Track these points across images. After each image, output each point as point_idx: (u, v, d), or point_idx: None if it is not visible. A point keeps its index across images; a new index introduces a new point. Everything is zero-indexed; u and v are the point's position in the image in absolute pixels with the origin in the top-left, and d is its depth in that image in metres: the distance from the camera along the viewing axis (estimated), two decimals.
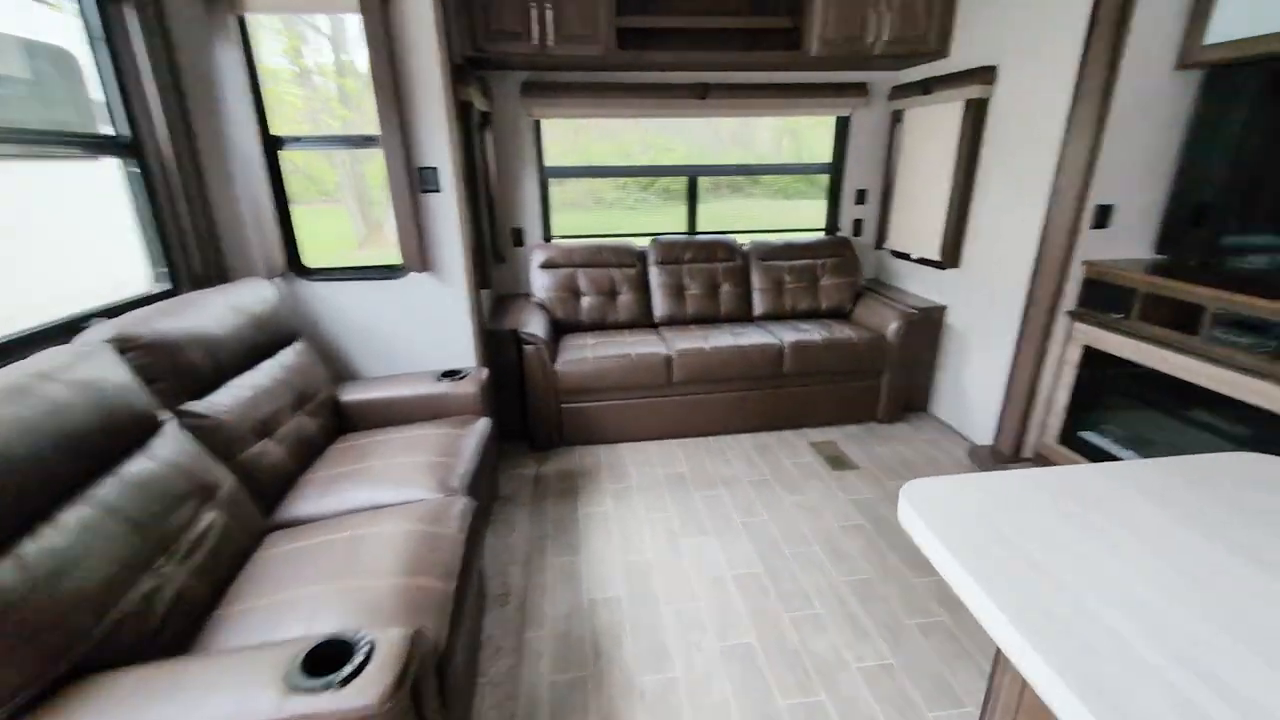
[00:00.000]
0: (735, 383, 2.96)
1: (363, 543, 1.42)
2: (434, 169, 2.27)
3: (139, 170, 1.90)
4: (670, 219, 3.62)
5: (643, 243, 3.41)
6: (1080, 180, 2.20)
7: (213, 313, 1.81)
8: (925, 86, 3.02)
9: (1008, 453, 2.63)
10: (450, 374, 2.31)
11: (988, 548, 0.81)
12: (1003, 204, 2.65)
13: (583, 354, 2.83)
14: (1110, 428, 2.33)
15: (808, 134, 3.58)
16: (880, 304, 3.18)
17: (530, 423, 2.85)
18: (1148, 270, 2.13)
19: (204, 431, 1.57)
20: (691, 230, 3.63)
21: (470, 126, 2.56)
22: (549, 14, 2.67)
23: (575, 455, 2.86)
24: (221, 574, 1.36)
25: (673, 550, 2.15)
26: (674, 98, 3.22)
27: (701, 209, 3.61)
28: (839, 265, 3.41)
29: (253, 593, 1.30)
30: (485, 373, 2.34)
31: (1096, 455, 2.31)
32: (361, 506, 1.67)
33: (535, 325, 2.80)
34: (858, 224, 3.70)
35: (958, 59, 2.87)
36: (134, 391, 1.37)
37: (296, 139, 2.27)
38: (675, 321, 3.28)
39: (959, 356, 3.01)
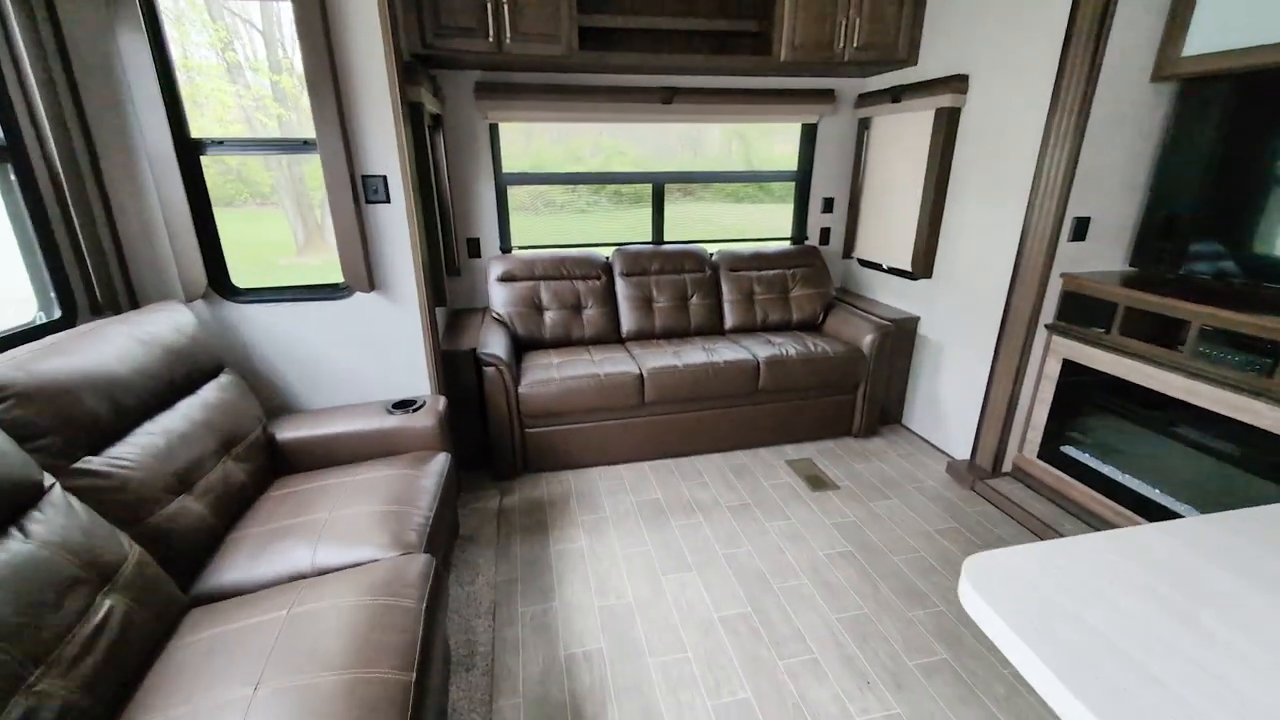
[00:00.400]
0: (709, 401, 2.83)
1: (302, 624, 1.20)
2: (381, 177, 2.04)
3: (16, 179, 1.60)
4: (623, 224, 3.47)
5: (605, 252, 3.24)
6: (1059, 192, 2.16)
7: (115, 347, 1.54)
8: (894, 94, 2.97)
9: (987, 468, 2.59)
10: (403, 404, 2.08)
11: (1062, 634, 0.70)
12: (977, 215, 2.62)
13: (548, 375, 2.64)
14: (1092, 443, 2.31)
15: (758, 140, 3.50)
16: (853, 315, 3.11)
17: (493, 450, 2.64)
18: (1123, 282, 2.11)
19: (103, 493, 1.31)
20: (658, 239, 3.49)
21: (422, 130, 2.33)
22: (506, 9, 2.47)
23: (542, 483, 2.67)
24: (125, 677, 1.11)
25: (654, 591, 2.00)
26: (638, 101, 3.07)
27: (666, 212, 3.47)
28: (809, 275, 3.33)
29: (163, 702, 1.06)
30: (443, 402, 2.13)
31: (1079, 471, 2.28)
32: (301, 571, 1.44)
33: (496, 344, 2.60)
34: (825, 232, 3.64)
35: (927, 67, 2.83)
36: (2, 455, 1.11)
37: (219, 142, 1.99)
38: (644, 336, 3.13)
39: (933, 368, 2.97)
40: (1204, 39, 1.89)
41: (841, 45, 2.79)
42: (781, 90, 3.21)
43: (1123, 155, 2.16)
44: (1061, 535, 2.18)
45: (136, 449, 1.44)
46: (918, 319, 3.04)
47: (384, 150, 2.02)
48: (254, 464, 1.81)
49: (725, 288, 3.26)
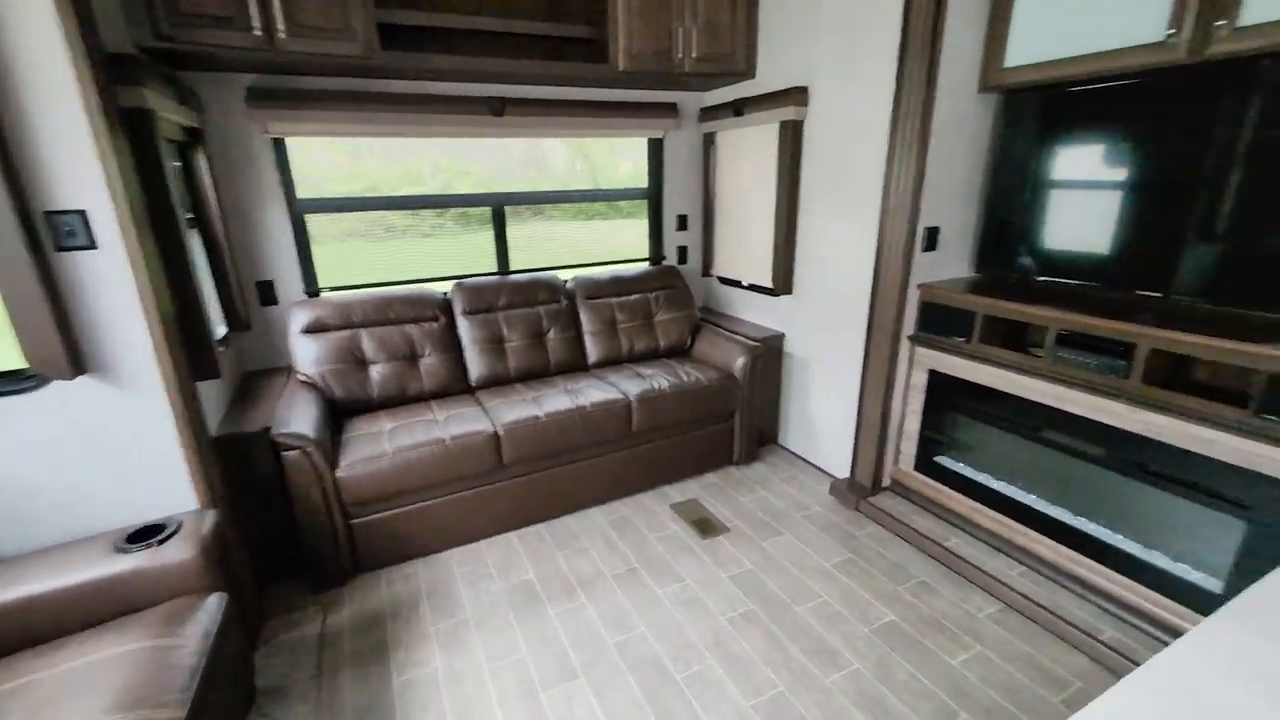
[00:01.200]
0: (580, 452, 2.47)
1: None
2: (78, 213, 1.42)
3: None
4: (471, 248, 3.02)
5: (444, 287, 2.77)
6: (909, 203, 2.13)
7: None
8: (736, 108, 2.87)
9: (867, 484, 2.53)
10: (145, 534, 1.46)
11: None
12: (832, 228, 2.57)
13: (377, 448, 2.11)
14: (964, 452, 2.32)
15: (604, 156, 3.26)
16: (721, 338, 2.95)
17: (307, 556, 2.04)
18: (971, 289, 2.13)
19: None
20: (503, 269, 3.08)
21: (153, 147, 1.71)
22: None
23: (381, 584, 2.12)
24: None
25: (534, 717, 1.58)
26: (464, 113, 2.65)
27: (511, 236, 3.07)
28: (672, 298, 3.13)
29: None
30: (211, 520, 1.54)
31: (954, 481, 2.27)
32: None
33: (301, 418, 2.02)
34: (682, 251, 3.48)
35: (767, 80, 2.76)
36: None
37: None
38: (497, 382, 2.69)
39: (803, 386, 2.89)
40: (1019, 52, 1.94)
41: (681, 55, 2.62)
42: (624, 103, 2.98)
43: (962, 165, 2.20)
44: (946, 548, 2.13)
45: None
46: (783, 336, 2.96)
47: (78, 175, 1.40)
48: None
49: (585, 318, 2.94)
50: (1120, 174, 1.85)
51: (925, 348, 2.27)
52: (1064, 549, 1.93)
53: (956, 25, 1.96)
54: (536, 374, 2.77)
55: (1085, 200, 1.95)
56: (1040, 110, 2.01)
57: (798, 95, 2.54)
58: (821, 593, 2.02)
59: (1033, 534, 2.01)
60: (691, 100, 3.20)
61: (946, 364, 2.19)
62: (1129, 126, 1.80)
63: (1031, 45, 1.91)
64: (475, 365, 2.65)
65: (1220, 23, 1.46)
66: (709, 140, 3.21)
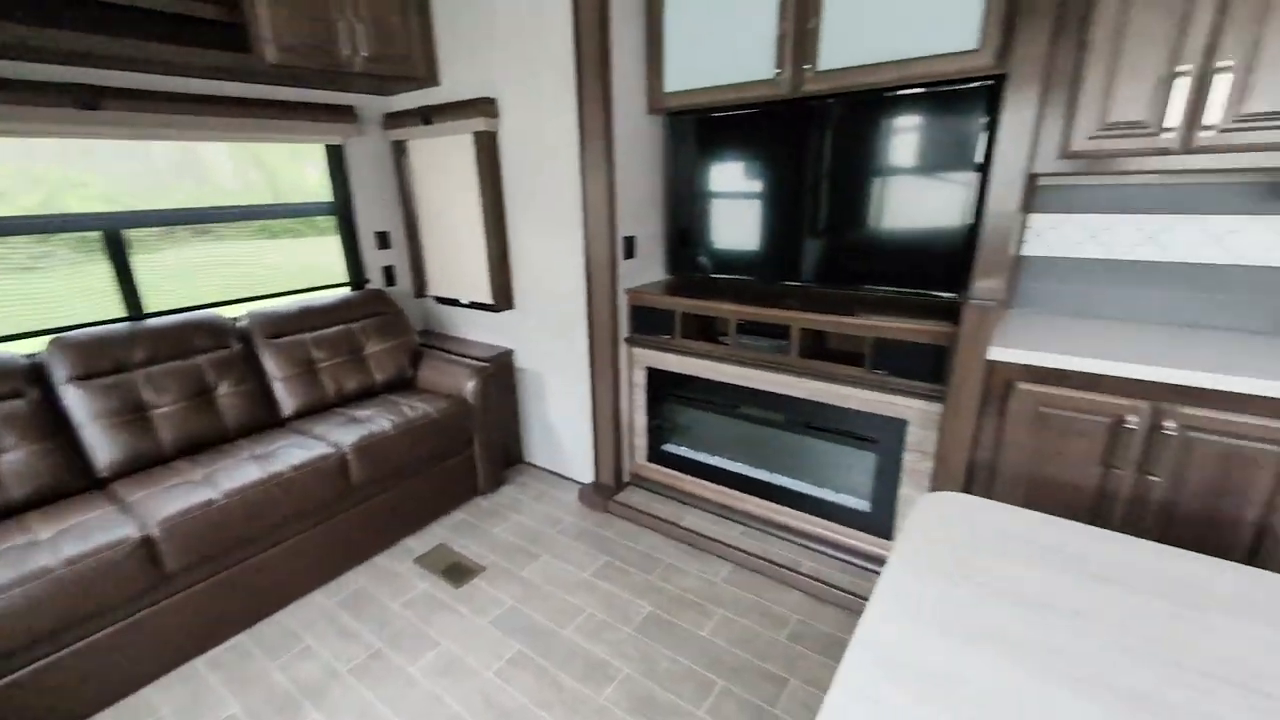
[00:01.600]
0: (284, 529, 2.02)
1: None
2: None
3: None
4: (99, 282, 2.22)
5: (35, 346, 1.98)
6: (606, 214, 2.25)
7: None
8: (424, 115, 2.67)
9: (611, 484, 2.63)
10: None
11: None
12: (541, 241, 2.57)
13: None
14: (684, 436, 2.56)
15: (283, 165, 2.74)
16: (446, 363, 2.73)
17: None
18: (667, 291, 2.36)
19: None
20: (135, 314, 2.33)
21: None
22: None
23: None
24: None
25: None
26: (35, 104, 1.90)
27: (152, 265, 2.35)
28: (383, 325, 2.78)
29: None
30: None
31: (680, 464, 2.50)
32: None
33: None
34: (389, 272, 3.13)
35: (455, 88, 2.62)
36: None
37: None
38: (145, 464, 2.03)
39: (539, 399, 2.87)
40: (674, 79, 2.19)
41: (349, 53, 2.31)
42: (283, 102, 2.50)
43: (646, 178, 2.40)
44: (684, 527, 2.34)
45: None
46: (512, 352, 2.89)
47: None
48: None
49: (270, 363, 2.41)
50: (757, 186, 2.24)
51: (640, 347, 2.44)
52: (768, 504, 2.28)
53: (622, 51, 2.12)
54: (209, 442, 2.18)
55: (738, 208, 2.31)
56: (696, 131, 2.31)
57: (486, 106, 2.46)
58: (585, 606, 2.02)
59: (746, 497, 2.34)
60: (373, 104, 2.87)
61: (659, 360, 2.39)
62: (758, 147, 2.19)
63: (683, 74, 2.17)
64: (101, 448, 1.95)
65: (807, 66, 1.85)
66: (400, 149, 2.93)
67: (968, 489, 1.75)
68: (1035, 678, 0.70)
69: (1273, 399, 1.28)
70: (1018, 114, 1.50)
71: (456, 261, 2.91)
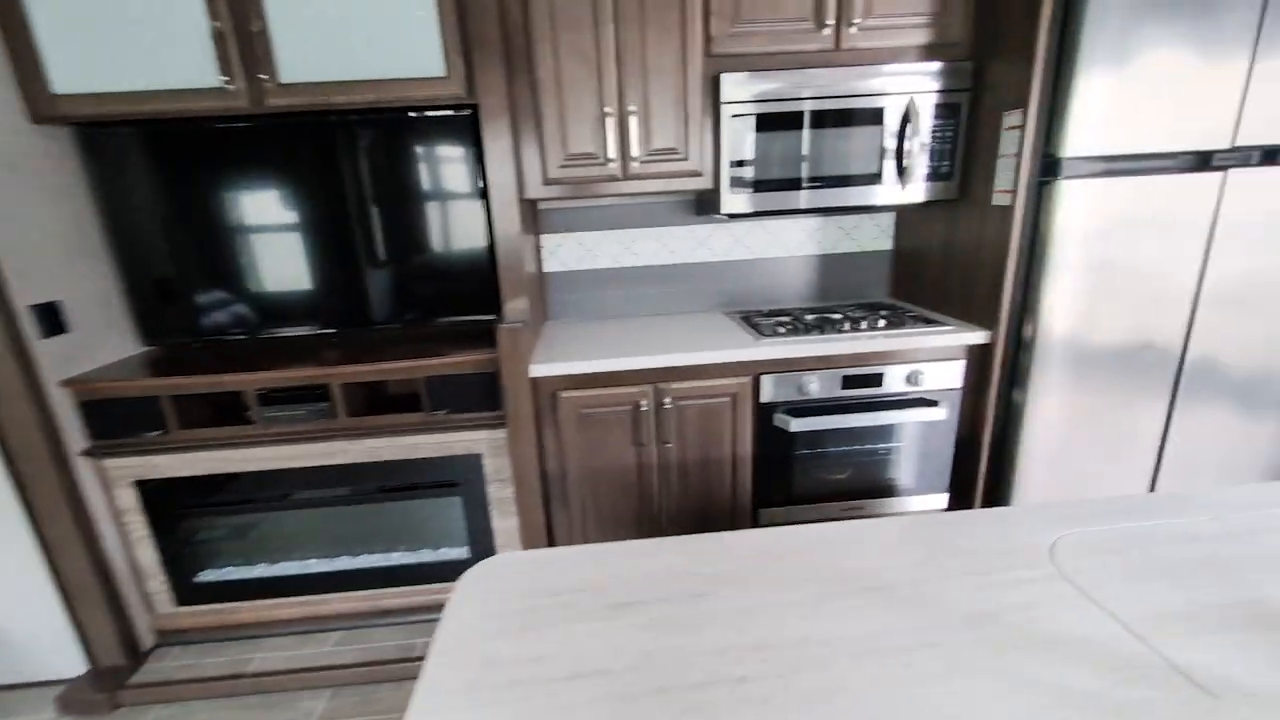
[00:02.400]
0: None
1: None
2: None
3: None
4: None
5: None
6: None
7: None
8: None
9: (124, 663, 1.79)
10: None
11: None
12: None
13: None
14: (227, 555, 1.91)
15: None
16: None
17: None
18: (149, 370, 1.72)
19: None
20: None
21: None
22: None
23: None
24: None
25: None
26: None
27: None
28: None
29: None
30: None
31: (230, 592, 1.88)
32: None
33: None
34: None
35: None
36: None
37: None
38: None
39: None
40: (66, 80, 1.54)
41: None
42: None
43: (56, 215, 1.65)
44: (249, 676, 1.77)
45: None
46: None
47: None
48: None
49: None
50: (256, 217, 1.81)
51: (114, 457, 1.70)
52: (363, 593, 1.92)
53: None
54: None
55: (241, 246, 1.83)
56: (148, 147, 1.71)
57: None
58: None
59: (332, 597, 1.91)
60: None
61: (151, 468, 1.71)
62: (244, 171, 1.76)
63: (79, 73, 1.54)
64: None
65: (264, 76, 1.54)
66: None
67: (547, 501, 1.80)
68: None
69: (719, 364, 1.68)
70: (497, 142, 1.56)
71: None
